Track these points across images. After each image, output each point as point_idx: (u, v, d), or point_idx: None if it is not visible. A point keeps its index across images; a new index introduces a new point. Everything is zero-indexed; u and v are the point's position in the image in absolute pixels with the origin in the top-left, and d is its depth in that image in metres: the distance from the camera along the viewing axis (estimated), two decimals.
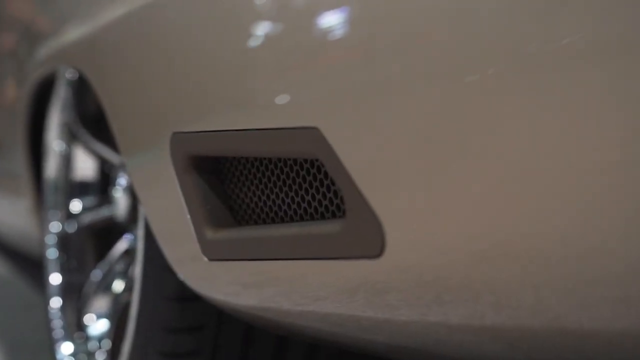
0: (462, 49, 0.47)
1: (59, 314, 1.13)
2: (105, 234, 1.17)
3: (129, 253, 1.08)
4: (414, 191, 0.50)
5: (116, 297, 1.08)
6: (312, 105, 0.55)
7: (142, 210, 0.82)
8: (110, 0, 0.86)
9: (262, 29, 0.61)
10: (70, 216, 1.17)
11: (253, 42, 0.61)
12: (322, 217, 0.60)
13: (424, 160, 0.49)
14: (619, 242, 0.43)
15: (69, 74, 1.09)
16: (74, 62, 1.00)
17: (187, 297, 0.81)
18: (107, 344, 1.06)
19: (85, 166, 1.18)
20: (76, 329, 1.12)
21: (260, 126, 0.60)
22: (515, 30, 0.45)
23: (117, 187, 1.07)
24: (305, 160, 0.60)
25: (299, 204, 0.62)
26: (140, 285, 0.84)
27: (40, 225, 1.24)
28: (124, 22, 0.81)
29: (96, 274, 1.13)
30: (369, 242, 0.52)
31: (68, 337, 1.11)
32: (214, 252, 0.68)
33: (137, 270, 0.85)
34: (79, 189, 1.18)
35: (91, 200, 1.18)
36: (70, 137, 1.16)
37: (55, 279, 1.15)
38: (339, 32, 0.54)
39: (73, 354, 1.10)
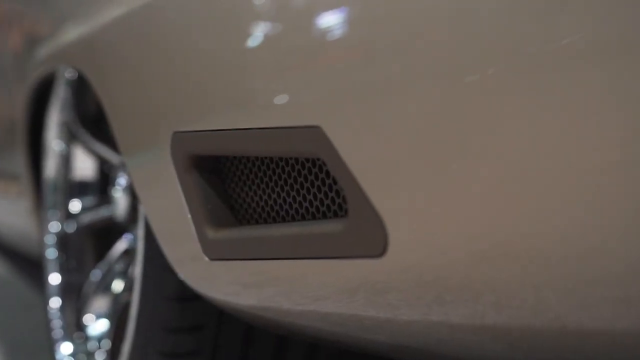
0: (463, 48, 0.47)
1: (59, 314, 1.13)
2: (104, 233, 1.16)
3: (129, 253, 1.08)
4: (417, 190, 0.50)
5: (116, 297, 1.08)
6: (314, 104, 0.55)
7: (142, 210, 0.82)
8: None
9: (263, 27, 0.61)
10: (69, 216, 1.17)
11: (254, 41, 0.61)
12: (324, 216, 0.59)
13: (427, 159, 0.49)
14: (619, 242, 0.43)
15: (68, 74, 1.09)
16: (74, 62, 1.00)
17: (187, 297, 0.81)
18: (106, 344, 1.05)
19: (84, 166, 1.18)
20: (75, 329, 1.12)
21: (262, 125, 0.60)
22: (516, 30, 0.45)
23: (117, 187, 1.06)
24: (307, 160, 0.60)
25: (300, 204, 0.62)
26: (140, 285, 0.84)
27: (39, 225, 1.23)
28: (124, 21, 0.80)
29: (96, 274, 1.12)
30: (372, 241, 0.52)
31: (67, 337, 1.11)
32: (215, 252, 0.68)
33: (137, 270, 0.85)
34: (79, 188, 1.18)
35: (90, 200, 1.18)
36: (70, 136, 1.16)
37: (55, 279, 1.15)
38: (341, 31, 0.54)
39: (72, 354, 1.10)
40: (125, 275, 1.08)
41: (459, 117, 0.47)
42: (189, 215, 0.69)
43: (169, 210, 0.73)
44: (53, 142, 1.17)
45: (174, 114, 0.71)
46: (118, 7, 0.82)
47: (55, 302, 1.13)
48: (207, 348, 0.83)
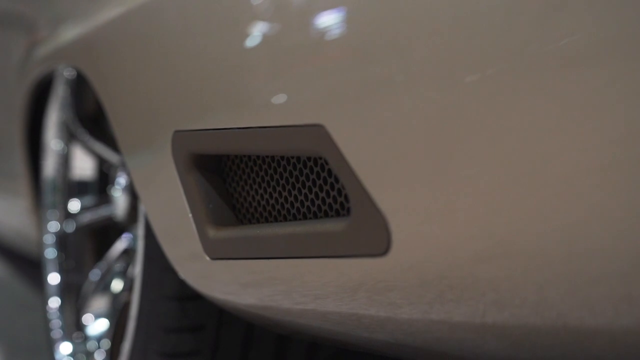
0: (464, 47, 0.47)
1: (58, 313, 1.13)
2: (103, 233, 1.16)
3: (128, 253, 1.08)
4: (420, 188, 0.50)
5: (115, 297, 1.08)
6: (316, 103, 0.55)
7: (143, 209, 0.82)
8: None
9: (264, 25, 0.61)
10: (68, 216, 1.17)
11: (256, 40, 0.61)
12: (326, 215, 0.59)
13: (430, 158, 0.49)
14: (621, 241, 0.43)
15: (67, 73, 1.09)
16: (73, 61, 1.00)
17: (187, 297, 0.81)
18: (106, 343, 1.05)
19: (83, 165, 1.17)
20: (75, 329, 1.11)
21: (264, 124, 0.59)
22: (516, 30, 0.45)
23: (116, 186, 1.06)
24: (309, 158, 0.60)
25: (302, 202, 0.62)
26: (140, 285, 0.84)
27: (38, 225, 1.23)
28: (125, 20, 0.80)
29: (95, 274, 1.12)
30: (375, 240, 0.52)
31: (67, 337, 1.11)
32: (216, 251, 0.68)
33: (137, 269, 0.85)
34: (78, 188, 1.17)
35: (90, 199, 1.18)
36: (69, 136, 1.15)
37: (54, 278, 1.15)
38: (343, 29, 0.54)
39: (72, 354, 1.10)
40: (124, 275, 1.08)
41: (461, 115, 0.47)
42: (190, 215, 0.69)
43: (169, 210, 0.73)
44: (52, 142, 1.17)
45: (174, 113, 0.71)
46: (118, 6, 0.82)
47: (54, 302, 1.13)
48: (207, 348, 0.83)
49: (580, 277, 0.45)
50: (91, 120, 1.13)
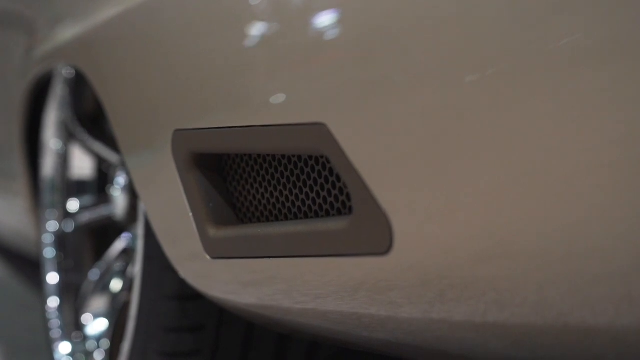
0: (466, 46, 0.47)
1: (57, 313, 1.12)
2: (103, 233, 1.16)
3: (127, 252, 1.08)
4: (423, 187, 0.50)
5: (114, 297, 1.08)
6: (318, 101, 0.55)
7: (142, 209, 0.82)
8: None
9: (266, 24, 0.60)
10: (67, 215, 1.17)
11: (257, 38, 0.61)
12: (327, 214, 0.59)
13: (432, 156, 0.49)
14: (622, 240, 0.43)
15: (66, 72, 1.09)
16: (73, 60, 1.00)
17: (187, 296, 0.81)
18: (105, 343, 1.05)
19: (82, 165, 1.17)
20: (74, 329, 1.11)
21: (265, 122, 0.59)
22: (517, 29, 0.45)
23: (116, 186, 1.06)
24: (310, 157, 0.60)
25: (303, 201, 0.62)
26: (139, 284, 0.84)
27: (37, 225, 1.23)
28: (124, 18, 0.80)
29: (94, 274, 1.12)
30: (377, 238, 0.52)
31: (66, 336, 1.11)
32: (217, 250, 0.68)
33: (137, 269, 0.84)
34: (76, 187, 1.17)
35: (89, 199, 1.17)
36: (68, 135, 1.15)
37: (53, 278, 1.14)
38: (345, 28, 0.54)
39: (71, 354, 1.10)
40: (123, 274, 1.08)
41: (462, 115, 0.47)
42: (190, 214, 0.69)
43: (169, 209, 0.73)
44: (51, 141, 1.16)
45: (175, 111, 0.71)
46: (117, 5, 0.82)
47: (53, 302, 1.13)
48: (207, 348, 0.83)
49: (581, 276, 0.45)
50: (90, 120, 1.12)
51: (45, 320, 1.13)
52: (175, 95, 0.71)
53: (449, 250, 0.50)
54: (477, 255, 0.49)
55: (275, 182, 0.65)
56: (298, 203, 0.62)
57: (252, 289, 0.68)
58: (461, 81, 0.47)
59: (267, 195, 0.66)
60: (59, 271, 1.15)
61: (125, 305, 0.98)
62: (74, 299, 1.13)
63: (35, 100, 1.20)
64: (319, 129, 0.54)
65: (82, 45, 0.94)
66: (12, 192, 1.38)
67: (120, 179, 1.05)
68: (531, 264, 0.47)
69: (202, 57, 0.67)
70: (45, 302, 1.14)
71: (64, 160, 1.17)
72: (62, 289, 1.14)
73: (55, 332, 1.11)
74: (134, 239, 1.05)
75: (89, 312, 1.11)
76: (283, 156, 0.63)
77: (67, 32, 1.01)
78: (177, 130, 0.69)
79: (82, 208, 1.17)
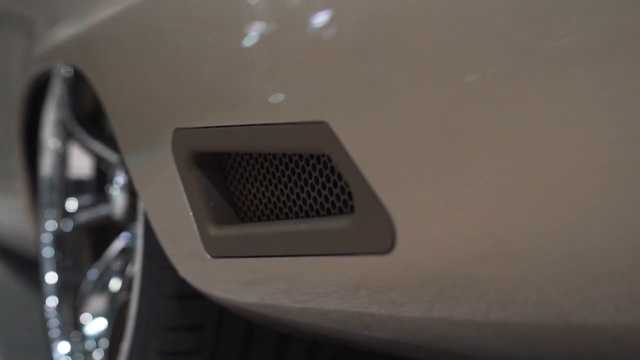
0: (468, 45, 0.47)
1: (55, 313, 1.12)
2: (101, 232, 1.16)
3: (126, 251, 1.08)
4: (426, 186, 0.50)
5: (113, 296, 1.08)
6: (320, 100, 0.55)
7: (142, 208, 0.82)
8: None
9: (267, 22, 0.60)
10: (66, 215, 1.17)
11: (258, 36, 0.61)
12: (328, 213, 0.59)
13: (435, 155, 0.49)
14: (622, 239, 0.43)
15: (64, 71, 1.09)
16: (72, 60, 1.00)
17: (187, 296, 0.81)
18: (104, 343, 1.05)
19: (81, 164, 1.17)
20: (73, 328, 1.11)
21: (266, 121, 0.59)
22: (518, 28, 0.45)
23: (115, 185, 1.06)
24: (311, 156, 0.60)
25: (304, 200, 0.62)
26: (139, 284, 0.83)
27: (35, 224, 1.23)
28: (124, 17, 0.80)
29: (93, 273, 1.12)
30: (379, 237, 0.52)
31: (64, 336, 1.11)
32: (217, 249, 0.68)
33: (137, 268, 0.84)
34: (75, 187, 1.17)
35: (87, 198, 1.17)
36: (66, 134, 1.15)
37: (51, 277, 1.14)
38: (347, 26, 0.54)
39: (69, 354, 1.09)
40: (122, 274, 1.07)
41: (463, 114, 0.47)
42: (191, 213, 0.69)
43: (169, 208, 0.73)
44: (49, 140, 1.16)
45: (175, 110, 0.71)
46: (117, 4, 0.82)
47: (52, 301, 1.13)
48: (207, 347, 0.83)
49: (581, 276, 0.46)
50: (89, 119, 1.12)
51: (43, 319, 1.13)
52: (175, 94, 0.71)
53: (451, 249, 0.50)
54: (479, 254, 0.49)
55: (276, 181, 0.64)
56: (299, 202, 0.62)
57: (253, 288, 0.68)
58: (462, 80, 0.47)
59: (267, 194, 0.65)
60: (58, 271, 1.14)
61: (124, 305, 0.97)
62: (73, 298, 1.13)
63: (33, 99, 1.20)
64: (321, 128, 0.54)
65: (82, 44, 0.94)
66: (10, 191, 1.38)
67: (119, 178, 1.05)
68: (532, 264, 0.47)
69: (203, 55, 0.67)
70: (43, 302, 1.13)
71: (62, 159, 1.17)
72: (61, 289, 1.14)
73: (54, 332, 1.11)
74: (133, 238, 1.05)
75: (87, 311, 1.11)
76: (284, 155, 0.63)
77: (66, 31, 1.01)
78: (177, 129, 0.69)
79: (81, 207, 1.17)
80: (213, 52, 0.66)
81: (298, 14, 0.58)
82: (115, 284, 1.09)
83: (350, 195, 0.57)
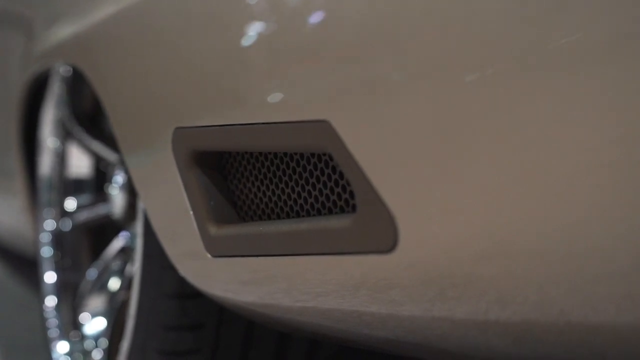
0: (469, 45, 0.47)
1: (54, 312, 1.12)
2: (100, 231, 1.16)
3: (125, 251, 1.07)
4: (429, 185, 0.50)
5: (112, 296, 1.08)
6: (322, 98, 0.55)
7: (142, 207, 0.82)
8: None
9: (268, 20, 0.60)
10: (64, 214, 1.17)
11: (259, 35, 0.61)
12: (329, 212, 0.59)
13: (438, 155, 0.49)
14: (623, 239, 0.43)
15: (63, 71, 1.09)
16: (71, 59, 1.00)
17: (187, 295, 0.81)
18: (103, 342, 1.05)
19: (80, 163, 1.17)
20: (72, 328, 1.11)
21: (268, 120, 0.59)
22: (519, 26, 0.45)
23: (113, 184, 1.06)
24: (313, 154, 0.60)
25: (305, 199, 0.62)
26: (139, 283, 0.83)
27: (34, 224, 1.23)
28: (124, 16, 0.80)
29: (92, 273, 1.12)
30: (382, 236, 0.52)
31: (63, 336, 1.11)
32: (218, 249, 0.68)
33: (136, 267, 0.84)
34: (74, 186, 1.17)
35: (86, 197, 1.17)
36: (65, 134, 1.15)
37: (50, 277, 1.14)
38: (350, 24, 0.54)
39: (68, 353, 1.09)
40: (121, 273, 1.07)
41: (464, 114, 0.47)
42: (191, 212, 0.69)
43: (170, 207, 0.73)
44: (48, 139, 1.16)
45: (175, 109, 0.71)
46: (116, 3, 0.82)
47: (50, 301, 1.13)
48: (207, 346, 0.83)
49: (581, 276, 0.46)
50: (87, 118, 1.12)
51: (42, 319, 1.13)
52: (176, 92, 0.71)
53: (452, 249, 0.50)
54: (480, 253, 0.49)
55: (276, 179, 0.64)
56: (300, 201, 0.62)
57: (253, 287, 0.68)
58: (462, 80, 0.47)
59: (268, 193, 0.65)
60: (57, 270, 1.14)
61: (124, 304, 0.97)
62: (72, 298, 1.13)
63: (32, 98, 1.20)
64: (322, 126, 0.54)
65: (81, 43, 0.94)
66: (9, 190, 1.37)
67: (118, 178, 1.05)
68: (532, 263, 0.47)
69: (204, 53, 0.67)
70: (42, 302, 1.13)
71: (61, 158, 1.17)
72: (60, 288, 1.14)
73: (53, 332, 1.11)
74: (132, 238, 1.05)
75: (86, 311, 1.11)
76: (285, 154, 0.63)
77: (65, 31, 1.00)
78: (177, 128, 0.69)
79: (80, 207, 1.16)
80: (214, 51, 0.66)
81: (300, 11, 0.58)
82: (114, 284, 1.09)
83: (351, 194, 0.57)
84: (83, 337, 1.10)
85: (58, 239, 1.16)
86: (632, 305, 0.45)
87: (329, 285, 0.59)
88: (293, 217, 0.63)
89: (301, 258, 0.60)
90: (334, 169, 0.58)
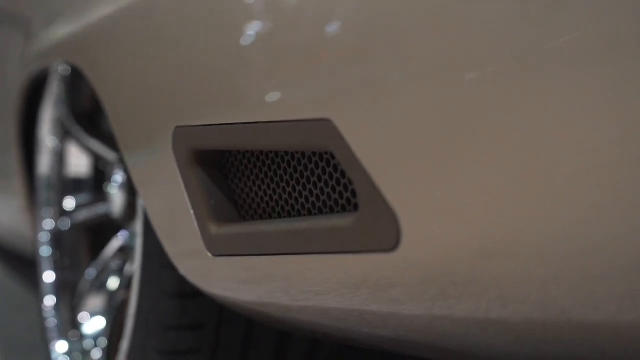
0: (471, 44, 0.47)
1: (53, 312, 1.12)
2: (99, 231, 1.16)
3: (124, 250, 1.07)
4: (431, 184, 0.50)
5: (111, 295, 1.08)
6: (323, 97, 0.55)
7: (142, 206, 0.82)
8: None
9: (269, 18, 0.60)
10: (63, 213, 1.16)
11: (260, 33, 0.61)
12: (331, 211, 0.59)
13: (440, 153, 0.49)
14: (624, 238, 0.44)
15: (62, 70, 1.08)
16: (70, 58, 0.99)
17: (187, 294, 0.80)
18: (102, 342, 1.05)
19: (78, 163, 1.17)
20: (71, 328, 1.11)
21: (269, 119, 0.59)
22: (520, 26, 0.45)
23: (113, 183, 1.06)
24: (314, 153, 0.60)
25: (306, 198, 0.62)
26: (139, 282, 0.83)
27: (33, 223, 1.22)
28: (123, 15, 0.80)
29: (90, 272, 1.12)
30: (384, 235, 0.52)
31: (62, 335, 1.11)
32: (218, 248, 0.68)
33: (136, 267, 0.84)
34: (73, 185, 1.17)
35: (85, 197, 1.17)
36: (64, 133, 1.15)
37: (49, 277, 1.14)
38: (352, 22, 0.54)
39: (68, 353, 1.09)
40: (121, 272, 1.07)
41: (465, 113, 0.48)
42: (192, 211, 0.69)
43: (170, 206, 0.73)
44: (47, 139, 1.16)
45: (176, 108, 0.71)
46: (115, 2, 0.82)
47: (49, 301, 1.13)
48: (207, 346, 0.83)
49: (582, 275, 0.46)
50: (86, 117, 1.12)
51: (41, 319, 1.13)
52: (176, 91, 0.71)
53: (455, 247, 0.50)
54: (481, 252, 0.49)
55: (277, 178, 0.64)
56: (301, 200, 0.62)
57: (253, 286, 0.68)
58: (463, 79, 0.48)
59: (269, 192, 0.65)
60: (56, 270, 1.14)
61: (123, 304, 0.97)
62: (71, 297, 1.13)
63: (31, 97, 1.20)
64: (324, 125, 0.54)
65: (80, 42, 0.94)
66: (8, 190, 1.37)
67: (118, 177, 1.05)
68: (533, 262, 0.47)
69: (204, 52, 0.67)
70: (41, 301, 1.13)
71: (60, 157, 1.17)
72: (59, 288, 1.14)
73: (52, 331, 1.11)
74: (131, 237, 1.05)
75: (85, 310, 1.11)
76: (286, 152, 0.63)
77: (64, 30, 1.00)
78: (178, 127, 0.69)
79: (79, 206, 1.16)
80: (215, 49, 0.66)
81: (301, 9, 0.58)
82: (113, 283, 1.09)
83: (353, 193, 0.57)
84: (82, 336, 1.10)
85: (57, 238, 1.16)
86: (633, 304, 0.45)
87: (330, 284, 0.59)
88: (294, 216, 0.63)
89: (302, 257, 0.60)
90: (335, 167, 0.58)
